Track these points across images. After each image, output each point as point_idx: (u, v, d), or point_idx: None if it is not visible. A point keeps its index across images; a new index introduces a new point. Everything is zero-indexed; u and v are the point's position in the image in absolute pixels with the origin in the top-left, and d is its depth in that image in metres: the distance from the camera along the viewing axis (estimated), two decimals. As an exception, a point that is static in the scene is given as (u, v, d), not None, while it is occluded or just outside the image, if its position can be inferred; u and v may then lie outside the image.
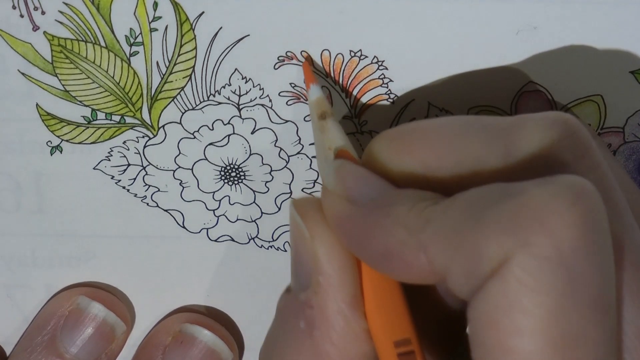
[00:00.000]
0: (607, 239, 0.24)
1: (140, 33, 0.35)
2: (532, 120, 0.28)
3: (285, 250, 0.39)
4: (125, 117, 0.36)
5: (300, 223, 0.29)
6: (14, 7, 0.35)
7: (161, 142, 0.37)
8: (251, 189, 0.38)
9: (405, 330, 0.28)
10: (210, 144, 0.37)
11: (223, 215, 0.38)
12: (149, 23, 0.35)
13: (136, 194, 0.38)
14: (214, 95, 0.36)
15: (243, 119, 0.36)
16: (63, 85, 0.36)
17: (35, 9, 0.35)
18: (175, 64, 0.35)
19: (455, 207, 0.25)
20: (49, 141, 0.37)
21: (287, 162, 0.37)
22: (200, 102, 0.36)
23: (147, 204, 0.38)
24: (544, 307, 0.23)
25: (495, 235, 0.24)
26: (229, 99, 0.36)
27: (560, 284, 0.23)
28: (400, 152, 0.29)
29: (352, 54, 0.35)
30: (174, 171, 0.37)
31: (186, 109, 0.36)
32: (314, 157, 0.37)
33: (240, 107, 0.36)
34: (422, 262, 0.25)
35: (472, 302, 0.24)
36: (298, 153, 0.37)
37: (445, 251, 0.25)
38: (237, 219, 0.38)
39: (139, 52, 0.35)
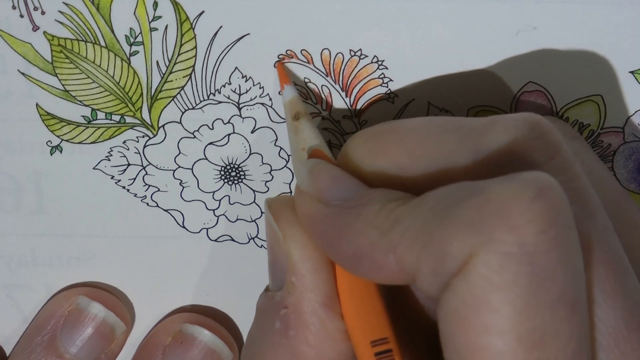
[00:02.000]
0: (572, 234, 0.24)
1: (140, 33, 0.35)
2: (502, 120, 0.28)
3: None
4: (125, 117, 0.36)
5: (273, 224, 0.29)
6: (14, 7, 0.35)
7: (161, 142, 0.37)
8: (251, 188, 0.38)
9: (383, 330, 0.28)
10: (210, 143, 0.37)
11: (223, 215, 0.38)
12: (149, 22, 0.35)
13: (136, 194, 0.38)
14: (214, 95, 0.36)
15: (243, 118, 0.36)
16: (63, 85, 0.36)
17: (35, 9, 0.35)
18: (175, 64, 0.35)
19: (423, 206, 0.25)
20: (49, 141, 0.37)
21: (287, 162, 0.37)
22: (200, 102, 0.36)
23: (147, 203, 0.38)
24: (511, 304, 0.23)
25: (459, 233, 0.24)
26: (229, 97, 0.36)
27: (525, 280, 0.23)
28: (374, 152, 0.29)
29: (352, 53, 0.35)
30: (174, 171, 0.37)
31: (186, 108, 0.36)
32: (314, 157, 0.37)
33: (240, 106, 0.36)
34: (391, 262, 0.25)
35: (440, 301, 0.24)
36: (298, 152, 0.37)
37: (413, 251, 0.25)
38: (237, 219, 0.38)
39: (139, 52, 0.35)
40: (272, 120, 0.36)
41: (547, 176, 0.24)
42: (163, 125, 0.36)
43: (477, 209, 0.24)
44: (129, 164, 0.37)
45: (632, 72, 0.35)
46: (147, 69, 0.35)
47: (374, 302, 0.28)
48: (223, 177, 0.37)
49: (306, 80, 0.35)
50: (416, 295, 0.31)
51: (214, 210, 0.38)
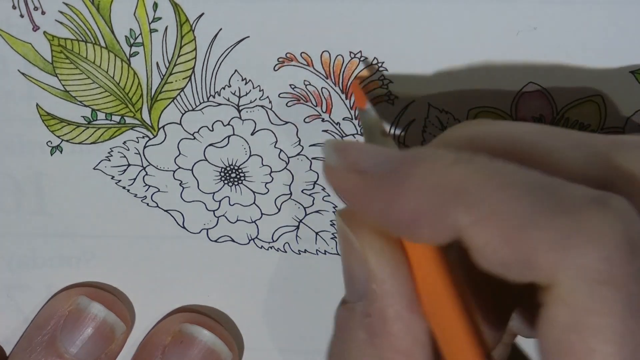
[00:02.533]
0: None
1: (140, 34, 0.35)
2: (632, 143, 0.28)
3: (285, 251, 0.39)
4: (125, 118, 0.36)
5: (349, 233, 0.29)
6: (14, 7, 0.35)
7: (161, 143, 0.37)
8: (251, 189, 0.38)
9: (460, 322, 0.28)
10: (210, 144, 0.37)
11: (223, 215, 0.38)
12: (149, 24, 0.35)
13: (136, 194, 0.38)
14: (214, 97, 0.36)
15: (243, 120, 0.36)
16: (63, 85, 0.36)
17: (35, 9, 0.35)
18: (175, 65, 0.35)
19: (502, 187, 0.25)
20: (49, 141, 0.37)
21: (287, 163, 0.37)
22: (200, 103, 0.36)
23: (147, 204, 0.38)
24: (611, 329, 0.23)
25: (548, 246, 0.24)
26: (228, 100, 0.36)
27: (621, 307, 0.24)
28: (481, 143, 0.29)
29: (352, 55, 0.35)
30: (174, 172, 0.37)
31: (186, 109, 0.36)
32: (314, 158, 0.37)
33: (240, 108, 0.36)
34: (455, 225, 0.25)
35: (540, 324, 0.25)
36: (298, 154, 0.37)
37: (486, 232, 0.25)
38: (237, 220, 0.38)
39: (139, 53, 0.35)
40: (272, 123, 0.36)
41: (630, 205, 0.25)
42: (163, 126, 0.37)
43: (568, 226, 0.24)
44: (129, 165, 0.37)
45: (632, 72, 0.35)
46: (147, 70, 0.35)
47: (450, 298, 0.28)
48: (223, 178, 0.38)
49: (306, 82, 0.35)
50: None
51: (214, 211, 0.38)
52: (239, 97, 0.36)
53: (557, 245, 0.24)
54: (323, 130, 0.36)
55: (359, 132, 0.36)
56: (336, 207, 0.38)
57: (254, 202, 0.38)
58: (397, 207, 0.27)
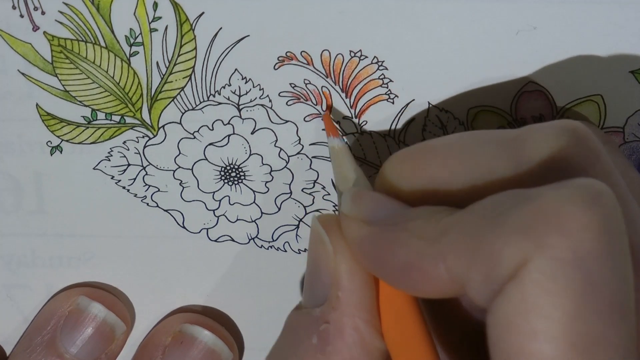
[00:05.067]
0: (624, 242, 0.24)
1: (140, 33, 0.35)
2: (541, 129, 0.28)
3: (285, 251, 0.39)
4: (125, 117, 0.36)
5: (324, 237, 0.29)
6: (14, 7, 0.35)
7: (161, 142, 0.37)
8: (251, 189, 0.38)
9: (424, 351, 0.28)
10: (210, 144, 0.37)
11: (223, 215, 0.38)
12: (149, 23, 0.35)
13: (136, 194, 0.38)
14: (214, 96, 0.36)
15: (243, 119, 0.36)
16: (63, 85, 0.36)
17: (35, 9, 0.35)
18: (175, 64, 0.35)
19: (471, 215, 0.25)
20: (49, 141, 0.37)
21: (287, 162, 0.37)
22: (200, 102, 0.36)
23: (147, 204, 0.38)
24: (563, 310, 0.23)
25: (512, 238, 0.24)
26: (228, 99, 0.36)
27: (578, 287, 0.23)
28: (411, 171, 0.29)
29: (352, 54, 0.35)
30: (174, 171, 0.37)
31: (186, 109, 0.36)
32: (314, 157, 0.37)
33: (240, 107, 0.36)
34: (441, 272, 0.25)
35: (491, 308, 0.24)
36: (298, 153, 0.37)
37: (463, 258, 0.25)
38: (237, 219, 0.38)
39: (139, 52, 0.35)
40: (272, 122, 0.36)
41: (600, 183, 0.24)
42: (163, 126, 0.37)
43: (530, 214, 0.24)
44: (129, 164, 0.37)
45: (632, 72, 0.35)
46: (147, 70, 0.35)
47: (417, 324, 0.28)
48: (223, 178, 0.38)
49: (306, 81, 0.35)
50: (460, 306, 0.31)
51: (214, 210, 0.38)
52: (239, 96, 0.36)
53: (523, 234, 0.24)
54: (323, 129, 0.36)
55: (359, 131, 0.36)
56: (336, 205, 0.38)
57: (254, 202, 0.38)
58: (390, 258, 0.27)
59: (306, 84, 0.35)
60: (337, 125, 0.36)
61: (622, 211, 0.25)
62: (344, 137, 0.36)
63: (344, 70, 0.35)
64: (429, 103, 0.36)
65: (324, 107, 0.36)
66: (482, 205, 0.25)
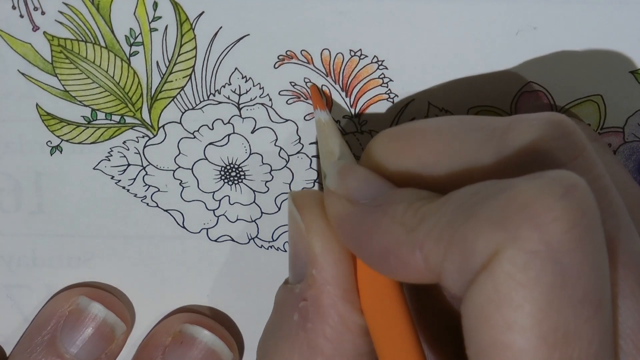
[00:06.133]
0: (599, 234, 0.24)
1: (140, 33, 0.35)
2: (526, 120, 0.28)
3: (285, 251, 0.39)
4: (125, 117, 0.36)
5: (296, 215, 0.29)
6: (14, 8, 0.35)
7: (161, 142, 0.37)
8: (251, 188, 0.38)
9: (403, 326, 0.28)
10: (210, 143, 0.37)
11: (223, 215, 0.38)
12: (149, 23, 0.35)
13: (136, 194, 0.38)
14: (214, 95, 0.36)
15: (243, 119, 0.36)
16: (63, 85, 0.36)
17: (35, 9, 0.35)
18: (175, 64, 0.35)
19: (449, 204, 0.25)
20: (49, 141, 0.37)
21: (287, 162, 0.37)
22: (200, 102, 0.36)
23: (147, 204, 0.38)
24: (534, 302, 0.23)
25: (484, 229, 0.24)
26: (229, 98, 0.36)
27: (549, 279, 0.23)
28: (398, 151, 0.29)
29: (352, 53, 0.35)
30: (174, 171, 0.37)
31: (186, 108, 0.36)
32: (314, 156, 0.37)
33: (240, 106, 0.36)
34: (417, 260, 0.25)
35: (464, 298, 0.24)
36: (298, 152, 0.37)
37: (439, 248, 0.25)
38: (237, 219, 0.38)
39: (138, 52, 0.35)
40: (272, 121, 0.36)
41: (574, 175, 0.24)
42: (163, 126, 0.37)
43: (503, 206, 0.24)
44: (129, 164, 0.37)
45: (632, 72, 0.35)
46: (147, 70, 0.35)
47: (395, 299, 0.28)
48: (223, 177, 0.38)
49: (306, 80, 0.35)
50: (443, 293, 0.31)
51: (214, 210, 0.38)
52: (239, 95, 0.36)
53: (495, 225, 0.24)
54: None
55: (359, 130, 0.36)
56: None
57: (254, 201, 0.38)
58: (370, 241, 0.27)
59: (306, 83, 0.35)
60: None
61: (603, 204, 0.25)
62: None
63: (344, 70, 0.35)
64: (429, 103, 0.36)
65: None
66: (459, 194, 0.25)
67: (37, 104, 0.36)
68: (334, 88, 0.36)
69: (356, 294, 0.29)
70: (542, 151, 0.27)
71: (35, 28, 0.35)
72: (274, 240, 0.39)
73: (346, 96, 0.36)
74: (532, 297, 0.23)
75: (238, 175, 0.37)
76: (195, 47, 0.35)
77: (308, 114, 0.36)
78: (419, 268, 0.25)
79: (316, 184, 0.38)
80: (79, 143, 0.37)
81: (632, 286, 0.26)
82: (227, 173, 0.37)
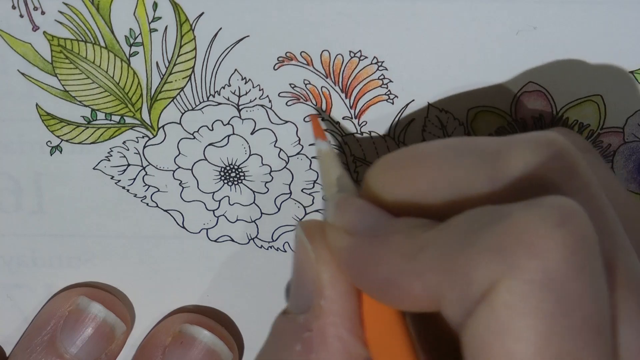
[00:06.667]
0: (597, 260, 0.24)
1: (140, 33, 0.35)
2: (518, 143, 0.27)
3: (285, 251, 0.39)
4: (125, 117, 0.36)
5: (307, 244, 0.29)
6: (13, 7, 0.35)
7: (161, 143, 0.37)
8: (251, 189, 0.38)
9: (407, 358, 0.28)
10: (210, 144, 0.37)
11: (223, 215, 0.38)
12: (149, 23, 0.35)
13: (136, 194, 0.38)
14: (214, 96, 0.36)
15: (243, 120, 0.36)
16: (63, 85, 0.36)
17: (35, 9, 0.35)
18: (174, 65, 0.35)
19: (447, 232, 0.25)
20: (49, 141, 0.37)
21: (287, 163, 0.37)
22: (200, 103, 0.36)
23: (147, 204, 0.38)
24: (535, 330, 0.23)
25: (483, 259, 0.24)
26: (228, 99, 0.36)
27: (549, 307, 0.23)
28: (393, 181, 0.29)
29: (352, 54, 0.35)
30: (174, 171, 0.37)
31: (186, 109, 0.36)
32: (313, 157, 0.37)
33: (240, 107, 0.36)
34: (417, 289, 0.25)
35: (464, 327, 0.24)
36: (298, 153, 0.37)
37: (438, 277, 0.25)
38: (237, 220, 0.38)
39: (138, 53, 0.35)
40: (271, 122, 0.36)
41: (570, 201, 0.24)
42: (163, 126, 0.37)
43: (500, 235, 0.24)
44: (128, 164, 0.37)
45: (632, 72, 0.35)
46: (146, 70, 0.35)
47: (400, 332, 0.28)
48: (223, 178, 0.38)
49: (306, 82, 0.35)
50: (447, 321, 0.31)
51: (213, 210, 0.38)
52: (239, 96, 0.36)
53: (493, 255, 0.23)
54: (324, 130, 0.36)
55: (359, 132, 0.36)
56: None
57: (253, 202, 0.38)
58: (371, 272, 0.27)
59: (306, 85, 0.35)
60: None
61: (599, 224, 0.25)
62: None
63: (343, 71, 0.35)
64: (429, 103, 0.36)
65: (324, 108, 0.36)
66: (457, 221, 0.25)
67: (37, 104, 0.36)
68: (334, 89, 0.36)
69: (361, 326, 0.29)
70: (535, 174, 0.27)
71: (35, 28, 0.35)
72: (273, 241, 0.39)
73: (346, 97, 0.36)
74: (532, 326, 0.23)
75: (238, 175, 0.37)
76: (195, 48, 0.35)
77: (307, 116, 0.36)
78: (420, 297, 0.25)
79: (316, 185, 0.38)
80: (79, 143, 0.37)
81: (632, 307, 0.26)
82: (227, 174, 0.37)
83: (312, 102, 0.36)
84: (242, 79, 0.35)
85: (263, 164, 0.37)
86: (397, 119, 0.36)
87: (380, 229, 0.27)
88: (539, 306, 0.23)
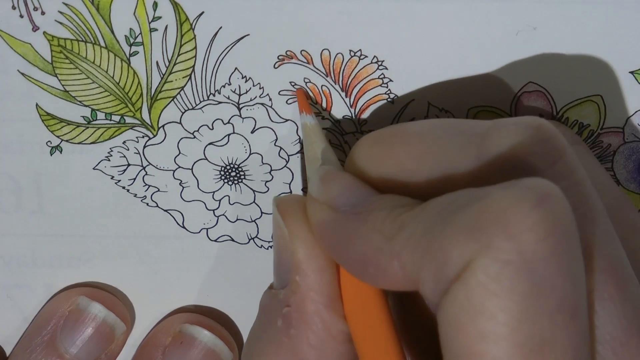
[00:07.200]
0: (574, 242, 0.24)
1: (140, 33, 0.35)
2: (505, 125, 0.28)
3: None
4: (125, 117, 0.36)
5: (280, 221, 0.29)
6: (13, 8, 0.35)
7: (161, 142, 0.37)
8: (251, 188, 0.38)
9: (386, 333, 0.28)
10: (210, 143, 0.37)
11: (223, 215, 0.38)
12: (149, 23, 0.35)
13: (136, 194, 0.38)
14: (214, 95, 0.36)
15: (243, 118, 0.36)
16: (63, 85, 0.36)
17: (35, 9, 0.35)
18: (175, 64, 0.35)
19: (426, 213, 0.25)
20: (49, 141, 0.37)
21: (287, 162, 0.37)
22: (200, 102, 0.36)
23: (147, 204, 0.38)
24: (508, 311, 0.23)
25: (459, 239, 0.24)
26: (228, 98, 0.36)
27: (523, 288, 0.23)
28: (380, 156, 0.29)
29: (352, 53, 0.35)
30: (174, 171, 0.37)
31: (186, 108, 0.36)
32: (313, 156, 0.37)
33: (240, 106, 0.36)
34: (395, 268, 0.25)
35: (440, 307, 0.24)
36: (298, 152, 0.37)
37: (415, 257, 0.25)
38: (237, 219, 0.38)
39: (138, 52, 0.35)
40: (272, 121, 0.36)
41: (548, 183, 0.24)
42: (163, 126, 0.37)
43: (477, 215, 0.24)
44: (128, 164, 0.37)
45: (632, 72, 0.35)
46: (146, 70, 0.35)
47: (377, 305, 0.28)
48: (223, 177, 0.38)
49: (306, 80, 0.35)
50: (425, 301, 0.31)
51: (213, 210, 0.38)
52: (239, 95, 0.36)
53: (469, 234, 0.23)
54: (323, 128, 0.36)
55: (359, 130, 0.36)
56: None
57: (254, 201, 0.38)
58: (350, 248, 0.27)
59: (306, 83, 0.35)
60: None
61: (582, 210, 0.25)
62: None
63: (343, 70, 0.35)
64: (429, 103, 0.36)
65: (324, 106, 0.36)
66: (437, 202, 0.25)
67: (37, 104, 0.36)
68: (334, 88, 0.36)
69: (339, 301, 0.29)
70: (520, 157, 0.27)
71: (35, 28, 0.35)
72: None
73: (346, 96, 0.36)
74: (506, 307, 0.23)
75: (238, 175, 0.37)
76: (195, 47, 0.35)
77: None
78: (397, 277, 0.25)
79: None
80: (79, 143, 0.37)
81: (610, 291, 0.26)
82: (227, 173, 0.37)
83: (312, 100, 0.36)
84: (243, 78, 0.35)
85: (263, 163, 0.37)
86: (397, 118, 0.36)
87: (362, 206, 0.27)
88: (513, 287, 0.23)
